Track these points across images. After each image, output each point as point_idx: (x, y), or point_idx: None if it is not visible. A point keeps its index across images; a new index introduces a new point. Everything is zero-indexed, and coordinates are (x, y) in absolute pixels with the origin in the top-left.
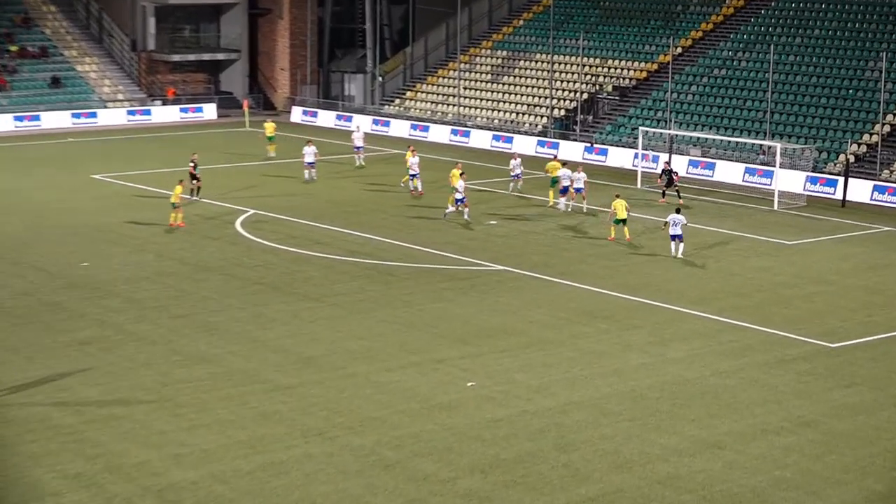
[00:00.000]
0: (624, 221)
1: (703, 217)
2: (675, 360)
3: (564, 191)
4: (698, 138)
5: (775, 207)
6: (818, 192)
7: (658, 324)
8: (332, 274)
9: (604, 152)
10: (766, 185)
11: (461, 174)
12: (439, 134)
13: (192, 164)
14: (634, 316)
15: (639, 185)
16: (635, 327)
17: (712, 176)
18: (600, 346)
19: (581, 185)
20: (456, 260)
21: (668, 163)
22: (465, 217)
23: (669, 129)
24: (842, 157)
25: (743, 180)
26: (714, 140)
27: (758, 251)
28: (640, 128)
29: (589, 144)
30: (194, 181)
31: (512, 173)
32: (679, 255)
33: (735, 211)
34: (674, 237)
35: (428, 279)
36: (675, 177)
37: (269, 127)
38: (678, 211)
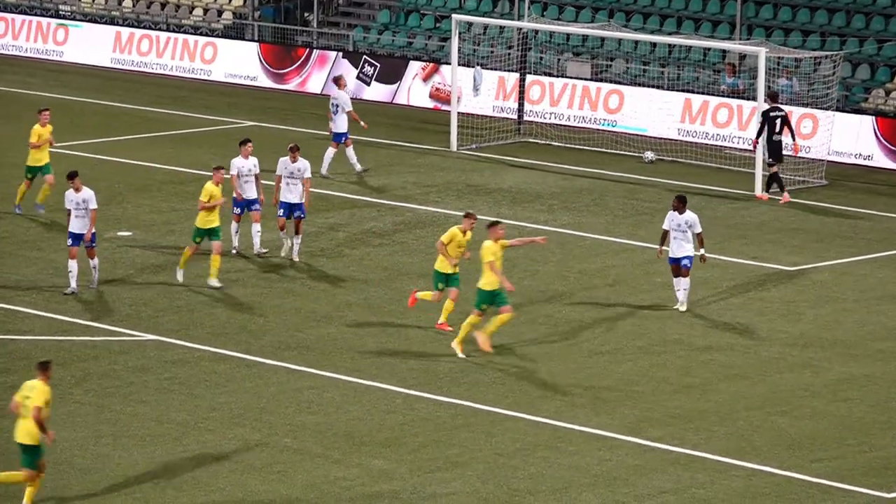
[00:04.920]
0: (451, 280)
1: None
2: None
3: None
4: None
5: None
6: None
7: None
8: None
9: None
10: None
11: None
12: None
13: None
14: None
15: (453, 147)
16: None
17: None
18: None
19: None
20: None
21: (776, 96)
22: (292, 254)
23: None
24: None
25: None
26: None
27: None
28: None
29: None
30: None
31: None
32: (684, 307)
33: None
34: (678, 265)
35: None
36: (786, 138)
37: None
38: (681, 204)
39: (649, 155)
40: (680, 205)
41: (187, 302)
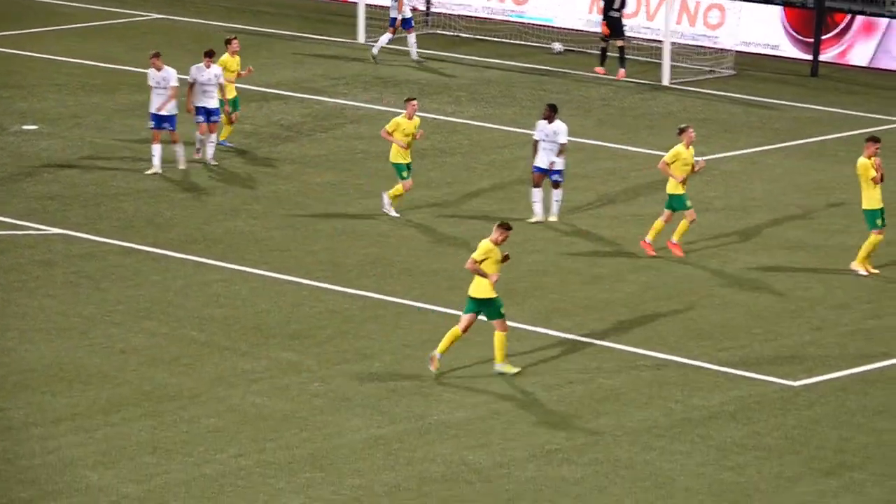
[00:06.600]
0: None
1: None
2: None
3: None
4: None
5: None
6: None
7: None
8: None
9: None
10: None
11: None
12: None
13: None
14: None
15: (361, 39)
16: None
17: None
18: None
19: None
20: None
21: None
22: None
23: None
24: None
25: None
26: None
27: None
28: None
29: None
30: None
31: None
32: (551, 218)
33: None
34: (545, 173)
35: None
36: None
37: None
38: (552, 113)
39: (557, 46)
40: (550, 113)
41: (94, 195)
